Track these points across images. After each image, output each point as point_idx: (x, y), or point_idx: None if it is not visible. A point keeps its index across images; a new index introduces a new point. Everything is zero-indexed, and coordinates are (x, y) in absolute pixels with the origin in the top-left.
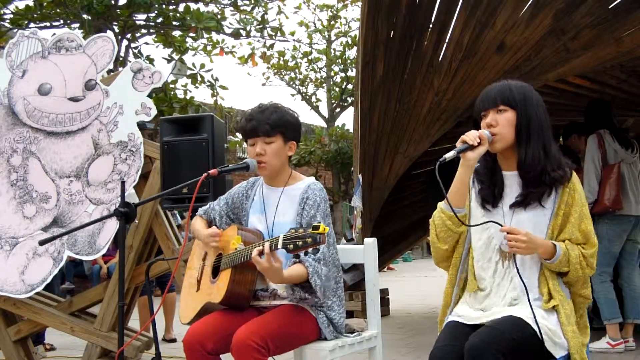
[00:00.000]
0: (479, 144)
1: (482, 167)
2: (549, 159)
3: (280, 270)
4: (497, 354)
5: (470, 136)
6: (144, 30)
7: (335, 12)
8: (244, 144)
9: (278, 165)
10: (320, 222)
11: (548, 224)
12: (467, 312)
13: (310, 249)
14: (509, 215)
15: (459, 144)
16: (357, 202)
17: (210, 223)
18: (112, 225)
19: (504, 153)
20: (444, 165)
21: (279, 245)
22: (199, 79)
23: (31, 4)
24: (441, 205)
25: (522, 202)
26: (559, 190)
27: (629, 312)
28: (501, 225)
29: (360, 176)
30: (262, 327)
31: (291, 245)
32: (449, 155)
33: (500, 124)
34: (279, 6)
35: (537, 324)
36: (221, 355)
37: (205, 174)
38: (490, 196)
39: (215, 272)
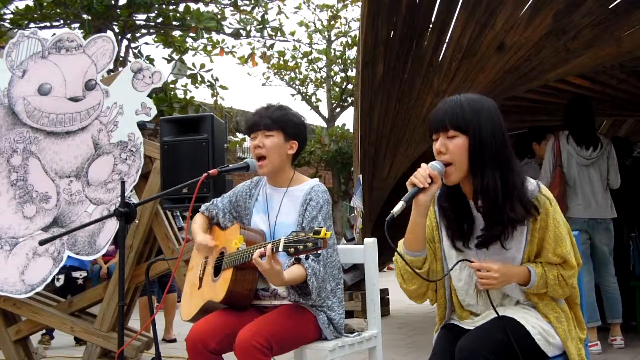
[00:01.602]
0: (431, 183)
1: (444, 198)
2: (509, 191)
3: (280, 273)
4: (488, 355)
5: (420, 178)
6: (144, 30)
7: (335, 12)
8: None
9: (277, 163)
10: (322, 225)
11: (522, 254)
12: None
13: (311, 253)
14: (482, 254)
15: (409, 186)
16: (357, 202)
17: (211, 220)
18: (112, 225)
19: (464, 183)
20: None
21: (280, 248)
22: (199, 79)
23: (31, 4)
24: (400, 248)
25: (482, 243)
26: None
27: (609, 313)
28: (471, 262)
29: (360, 176)
30: (266, 328)
31: (292, 249)
32: (397, 209)
33: (451, 152)
34: (279, 6)
35: (497, 315)
36: (223, 355)
37: (205, 174)
38: (459, 233)
39: (217, 270)
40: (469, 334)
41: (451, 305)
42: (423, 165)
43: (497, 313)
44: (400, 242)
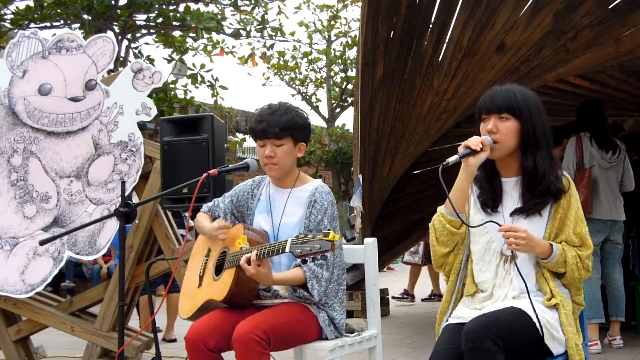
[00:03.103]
0: (481, 149)
1: (480, 173)
2: (553, 169)
3: (268, 275)
4: (494, 338)
5: (473, 142)
6: (144, 31)
7: (335, 12)
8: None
9: (288, 167)
10: (328, 228)
11: (545, 229)
12: (465, 313)
13: (318, 256)
14: (509, 221)
15: (461, 149)
16: (356, 202)
17: (214, 220)
18: (113, 225)
19: (503, 160)
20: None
21: (287, 249)
22: (199, 79)
23: (32, 4)
24: (441, 209)
25: (525, 211)
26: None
27: (612, 310)
28: (500, 225)
29: (360, 176)
30: (264, 322)
31: (299, 250)
32: (452, 159)
33: (501, 132)
34: (279, 6)
35: (536, 316)
36: (223, 354)
37: (205, 174)
38: (490, 200)
39: (219, 269)
40: (476, 318)
41: (464, 272)
42: (475, 136)
43: (516, 265)
44: (440, 207)
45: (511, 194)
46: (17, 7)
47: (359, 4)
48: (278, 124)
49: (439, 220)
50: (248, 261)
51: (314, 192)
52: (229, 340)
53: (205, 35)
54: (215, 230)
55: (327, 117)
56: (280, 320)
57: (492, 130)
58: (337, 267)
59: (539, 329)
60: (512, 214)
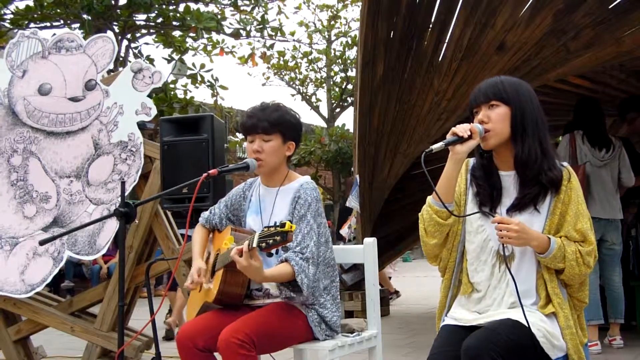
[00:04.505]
0: (470, 137)
1: (478, 168)
2: (546, 157)
3: (259, 269)
4: (494, 355)
5: (461, 128)
6: (144, 30)
7: (335, 12)
8: (244, 144)
9: (275, 164)
10: (311, 223)
11: (544, 224)
12: (463, 315)
13: (280, 247)
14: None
15: (449, 136)
16: (353, 202)
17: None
18: (112, 225)
19: (500, 152)
20: None
21: (254, 243)
22: (199, 79)
23: (31, 4)
24: (429, 199)
25: (517, 205)
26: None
27: (611, 312)
28: (493, 216)
29: (357, 177)
30: (246, 325)
31: (263, 244)
32: (436, 146)
33: (492, 120)
34: (279, 6)
35: (528, 326)
36: (216, 354)
37: (205, 174)
38: (488, 199)
39: (214, 272)
40: (475, 333)
41: (459, 270)
42: (464, 123)
43: (508, 268)
44: (429, 197)
45: (509, 190)
46: (16, 7)
47: (359, 4)
48: (268, 119)
49: (427, 211)
50: (240, 253)
51: (298, 189)
52: (217, 340)
53: (205, 35)
54: (192, 274)
55: (327, 117)
56: (265, 323)
57: (484, 120)
58: (325, 264)
59: (538, 340)
60: (508, 210)
